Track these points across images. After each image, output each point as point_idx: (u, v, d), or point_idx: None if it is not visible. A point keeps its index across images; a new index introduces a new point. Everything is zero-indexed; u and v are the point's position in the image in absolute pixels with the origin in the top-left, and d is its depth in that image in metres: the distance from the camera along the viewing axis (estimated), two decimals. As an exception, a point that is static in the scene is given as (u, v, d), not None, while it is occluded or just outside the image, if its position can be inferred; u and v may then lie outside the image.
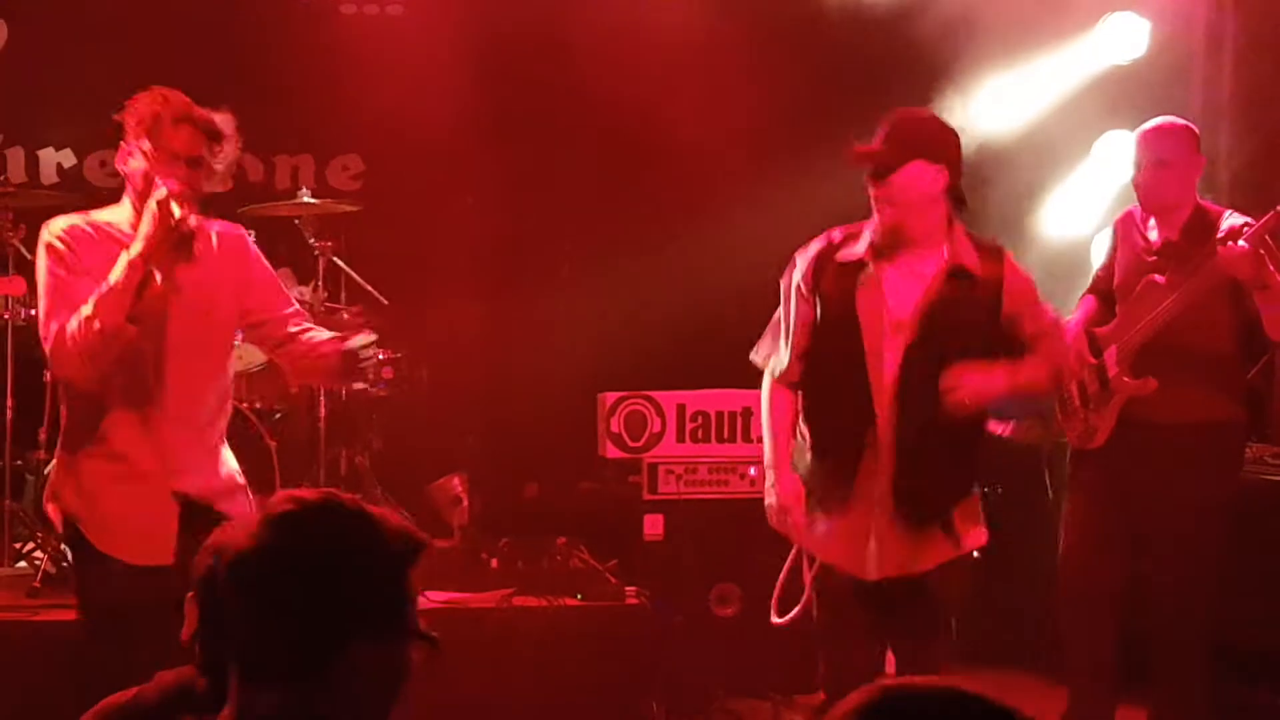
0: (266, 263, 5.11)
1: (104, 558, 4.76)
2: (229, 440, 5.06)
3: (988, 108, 8.07)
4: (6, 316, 7.18)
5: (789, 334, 5.20)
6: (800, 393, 5.24)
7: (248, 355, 7.22)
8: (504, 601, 6.77)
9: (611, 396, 7.23)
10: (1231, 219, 5.94)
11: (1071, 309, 6.26)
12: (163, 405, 4.78)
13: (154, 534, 4.72)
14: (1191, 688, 5.98)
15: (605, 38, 8.25)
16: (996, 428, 6.11)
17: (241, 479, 5.01)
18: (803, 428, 5.21)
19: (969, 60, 8.12)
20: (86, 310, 4.57)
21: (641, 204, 8.65)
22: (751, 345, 5.35)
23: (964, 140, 5.17)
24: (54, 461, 5.03)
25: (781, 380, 5.23)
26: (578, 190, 8.57)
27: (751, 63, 8.38)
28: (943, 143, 5.08)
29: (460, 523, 7.57)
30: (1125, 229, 6.16)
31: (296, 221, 7.66)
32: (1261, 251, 5.57)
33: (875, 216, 5.06)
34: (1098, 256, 6.46)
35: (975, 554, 5.20)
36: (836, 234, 5.18)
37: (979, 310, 5.05)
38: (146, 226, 4.62)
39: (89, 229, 4.76)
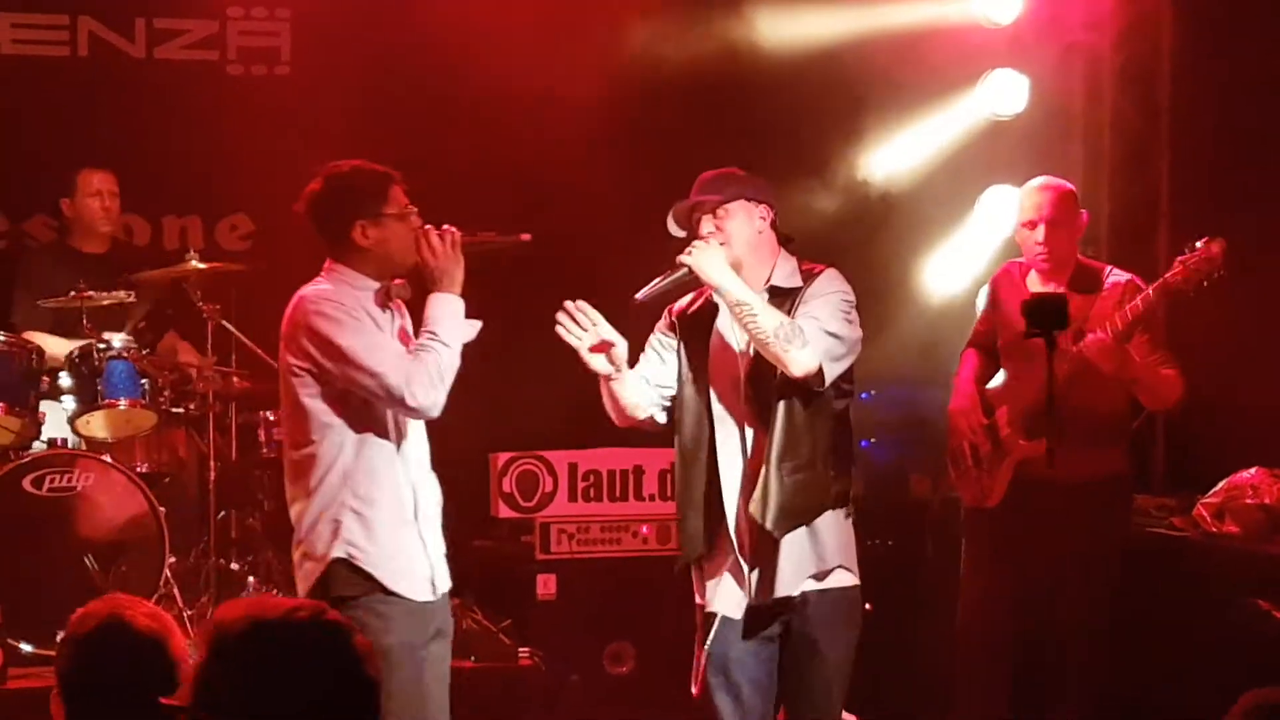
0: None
1: None
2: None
3: (873, 163, 8.15)
4: None
5: None
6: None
7: (136, 419, 7.15)
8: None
9: (503, 456, 7.22)
10: (1114, 275, 6.04)
11: (954, 364, 6.33)
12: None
13: None
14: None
15: (497, 94, 8.25)
16: None
17: None
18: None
19: (855, 116, 8.20)
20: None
21: (532, 262, 8.63)
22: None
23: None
24: None
25: None
26: (466, 249, 8.55)
27: (643, 122, 8.42)
28: None
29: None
30: (1005, 285, 6.20)
31: (184, 284, 7.59)
32: (1125, 346, 5.71)
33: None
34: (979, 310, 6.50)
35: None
36: None
37: None
38: (445, 262, 5.04)
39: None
